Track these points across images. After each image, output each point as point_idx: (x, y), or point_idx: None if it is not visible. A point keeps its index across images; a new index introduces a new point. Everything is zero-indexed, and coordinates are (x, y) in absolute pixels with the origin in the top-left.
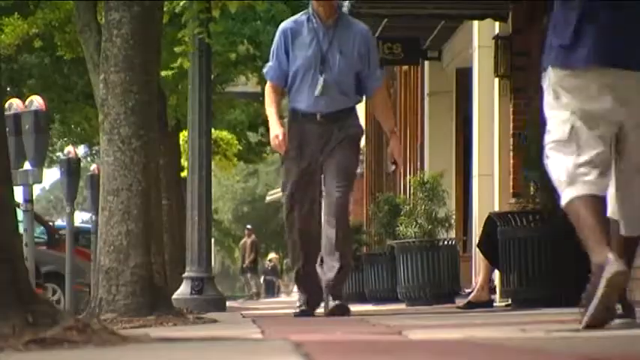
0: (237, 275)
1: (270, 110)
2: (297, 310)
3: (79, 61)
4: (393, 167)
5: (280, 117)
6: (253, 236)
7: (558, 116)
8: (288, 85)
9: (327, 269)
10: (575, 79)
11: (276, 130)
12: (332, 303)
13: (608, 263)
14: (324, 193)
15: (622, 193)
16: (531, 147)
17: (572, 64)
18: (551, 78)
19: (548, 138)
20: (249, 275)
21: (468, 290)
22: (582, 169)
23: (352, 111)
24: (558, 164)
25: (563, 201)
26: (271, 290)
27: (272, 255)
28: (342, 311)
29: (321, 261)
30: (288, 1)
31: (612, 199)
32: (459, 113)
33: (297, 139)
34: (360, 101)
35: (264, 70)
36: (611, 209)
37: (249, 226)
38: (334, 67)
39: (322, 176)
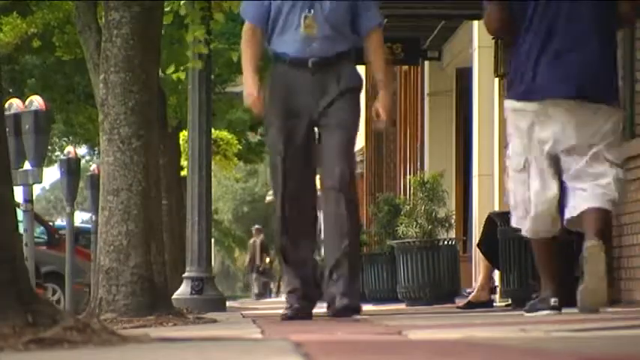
0: (238, 275)
1: (246, 59)
2: (287, 311)
3: (81, 62)
4: (381, 125)
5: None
6: (262, 236)
7: (515, 146)
8: (270, 26)
9: (330, 255)
10: (529, 111)
11: (250, 89)
12: (340, 301)
13: (547, 307)
14: (321, 165)
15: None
16: None
17: (527, 97)
18: (509, 109)
19: (508, 164)
20: (254, 275)
21: (469, 290)
22: (536, 210)
23: (350, 56)
24: (516, 192)
25: (518, 226)
26: (267, 290)
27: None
28: (350, 312)
29: (321, 275)
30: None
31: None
32: (459, 113)
33: (284, 92)
34: (358, 43)
35: (240, 8)
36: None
37: (257, 226)
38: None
39: (317, 141)
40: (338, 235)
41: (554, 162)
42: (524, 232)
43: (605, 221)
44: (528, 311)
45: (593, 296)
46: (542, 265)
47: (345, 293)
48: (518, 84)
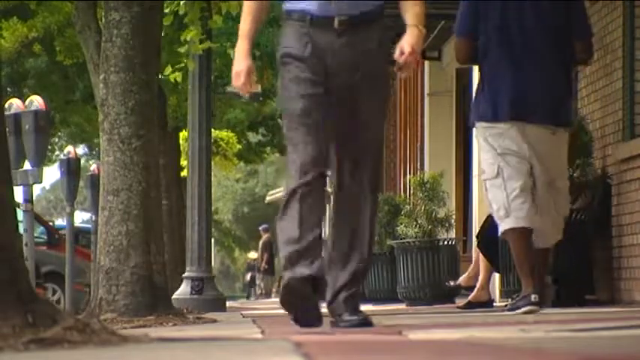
0: (238, 275)
1: (246, 28)
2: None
3: (80, 62)
4: (406, 69)
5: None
6: (266, 235)
7: (487, 159)
8: None
9: (339, 267)
10: (498, 129)
11: (240, 65)
12: (348, 317)
13: (527, 303)
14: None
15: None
16: None
17: (495, 119)
18: (479, 130)
19: (483, 177)
20: (261, 276)
21: (452, 282)
22: (514, 204)
23: (381, 18)
24: (494, 199)
25: (501, 230)
26: (255, 287)
27: (253, 254)
28: (365, 325)
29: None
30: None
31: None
32: (459, 113)
33: (303, 58)
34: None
35: None
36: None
37: (264, 225)
38: None
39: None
40: (358, 246)
41: (527, 164)
42: (507, 227)
43: (548, 257)
44: (510, 310)
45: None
46: (521, 264)
47: (356, 309)
48: (485, 108)
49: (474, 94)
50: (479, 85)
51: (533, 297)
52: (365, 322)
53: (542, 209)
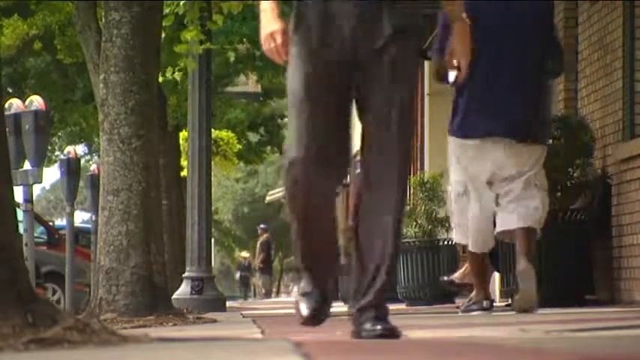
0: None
1: None
2: (307, 312)
3: (80, 62)
4: (453, 77)
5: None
6: (265, 235)
7: (457, 174)
8: None
9: (360, 274)
10: (468, 148)
11: (272, 25)
12: (371, 327)
13: (480, 308)
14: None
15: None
16: None
17: (466, 137)
18: (451, 142)
19: (450, 189)
20: (258, 275)
21: (446, 278)
22: (472, 229)
23: None
24: (457, 212)
25: (460, 242)
26: (246, 286)
27: (245, 253)
28: (391, 337)
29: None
30: (289, 0)
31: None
32: None
33: (316, 28)
34: None
35: None
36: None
37: (261, 226)
38: None
39: (355, 100)
40: (381, 247)
41: (491, 187)
42: (457, 241)
43: (533, 238)
44: (463, 312)
45: (526, 303)
46: (477, 274)
47: (380, 316)
48: (460, 124)
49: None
50: (455, 102)
51: (485, 303)
52: (388, 333)
53: (531, 207)
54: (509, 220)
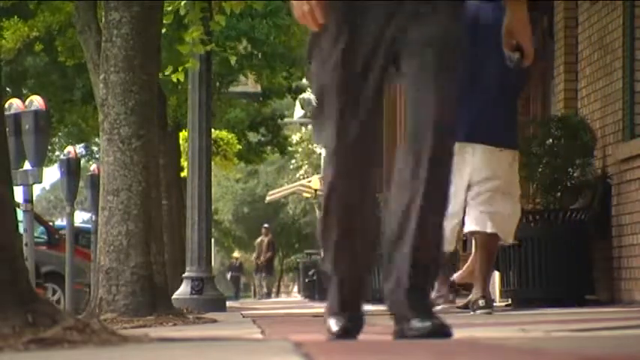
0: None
1: None
2: (336, 328)
3: (79, 62)
4: (516, 56)
5: None
6: (270, 235)
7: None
8: None
9: (401, 262)
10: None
11: None
12: (419, 324)
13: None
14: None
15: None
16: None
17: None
18: None
19: None
20: (263, 274)
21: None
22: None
23: None
24: None
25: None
26: (236, 286)
27: (236, 254)
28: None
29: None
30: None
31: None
32: None
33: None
34: None
35: None
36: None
37: (266, 225)
38: None
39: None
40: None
41: (468, 191)
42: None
43: (493, 245)
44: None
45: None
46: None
47: (427, 309)
48: None
49: None
50: None
51: (450, 296)
52: (440, 330)
53: (497, 213)
54: (473, 222)
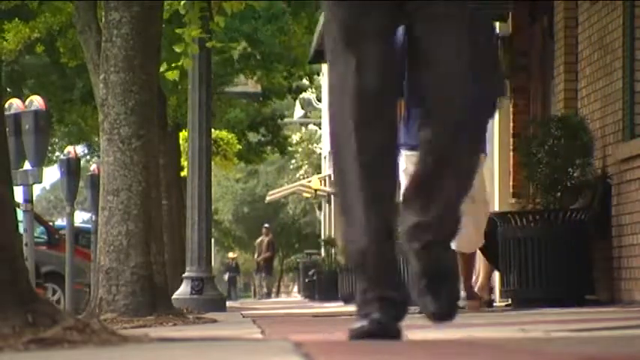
0: (242, 274)
1: None
2: (358, 325)
3: (79, 62)
4: None
5: None
6: (271, 235)
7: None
8: None
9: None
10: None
11: None
12: (432, 302)
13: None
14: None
15: None
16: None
17: (415, 148)
18: (401, 156)
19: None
20: (263, 274)
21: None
22: None
23: None
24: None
25: None
26: (233, 286)
27: (231, 254)
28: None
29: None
30: (289, 0)
31: None
32: None
33: None
34: None
35: None
36: None
37: (266, 225)
38: None
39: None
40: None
41: None
42: None
43: (469, 256)
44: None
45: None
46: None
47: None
48: (406, 138)
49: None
50: (403, 114)
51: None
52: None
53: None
54: None
